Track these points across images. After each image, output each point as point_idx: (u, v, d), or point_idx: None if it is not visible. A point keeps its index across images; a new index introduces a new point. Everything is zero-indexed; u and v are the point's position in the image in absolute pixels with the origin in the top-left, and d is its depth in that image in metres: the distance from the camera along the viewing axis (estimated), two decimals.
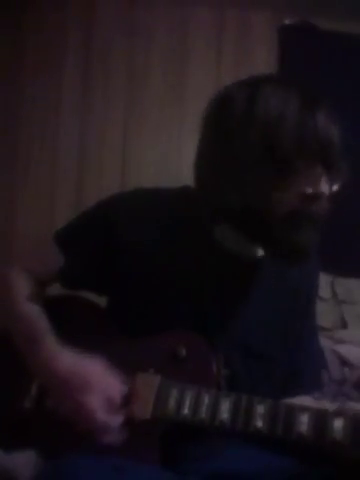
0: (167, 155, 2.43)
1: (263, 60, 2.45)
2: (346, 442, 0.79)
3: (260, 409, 0.83)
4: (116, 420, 0.87)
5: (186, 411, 0.86)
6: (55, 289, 1.14)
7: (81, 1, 2.43)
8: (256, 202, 0.91)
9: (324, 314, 2.01)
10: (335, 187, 0.93)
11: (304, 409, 0.83)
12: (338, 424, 0.80)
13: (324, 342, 2.07)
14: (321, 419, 0.81)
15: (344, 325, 2.25)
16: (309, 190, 0.90)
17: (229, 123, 0.92)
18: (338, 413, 0.82)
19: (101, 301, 1.13)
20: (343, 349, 2.11)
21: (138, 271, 1.03)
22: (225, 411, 0.84)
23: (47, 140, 2.40)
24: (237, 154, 0.91)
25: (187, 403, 0.87)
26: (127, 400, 0.89)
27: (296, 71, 2.36)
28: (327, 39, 2.43)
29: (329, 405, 0.89)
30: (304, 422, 0.81)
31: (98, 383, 0.88)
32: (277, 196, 0.90)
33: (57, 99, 2.40)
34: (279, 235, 0.94)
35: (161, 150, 2.43)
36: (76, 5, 2.42)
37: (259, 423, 0.82)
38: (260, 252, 1.03)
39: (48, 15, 2.40)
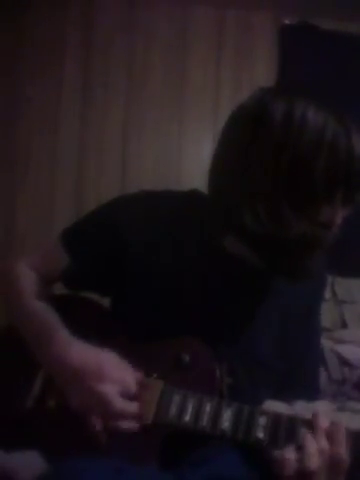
0: (167, 155, 2.43)
1: (263, 60, 2.45)
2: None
3: (262, 420, 0.83)
4: (133, 407, 0.88)
5: (187, 418, 0.86)
6: (56, 289, 1.14)
7: (81, 1, 2.43)
8: (271, 223, 0.90)
9: (324, 314, 2.00)
10: (346, 213, 0.94)
11: None
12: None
13: (324, 342, 2.08)
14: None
15: (344, 325, 2.25)
16: (325, 218, 0.91)
17: (259, 140, 0.89)
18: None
19: (103, 302, 1.13)
20: (343, 349, 2.11)
21: (143, 274, 1.03)
22: (226, 420, 0.84)
23: (47, 139, 2.39)
24: (262, 174, 0.88)
25: (189, 410, 0.87)
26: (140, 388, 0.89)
27: (296, 71, 2.36)
28: (327, 39, 2.43)
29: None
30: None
31: (113, 371, 0.89)
32: (293, 220, 0.90)
33: (57, 98, 2.40)
34: (286, 255, 0.94)
35: (161, 150, 2.43)
36: (76, 5, 2.42)
37: (260, 434, 0.82)
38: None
39: (48, 15, 2.40)
